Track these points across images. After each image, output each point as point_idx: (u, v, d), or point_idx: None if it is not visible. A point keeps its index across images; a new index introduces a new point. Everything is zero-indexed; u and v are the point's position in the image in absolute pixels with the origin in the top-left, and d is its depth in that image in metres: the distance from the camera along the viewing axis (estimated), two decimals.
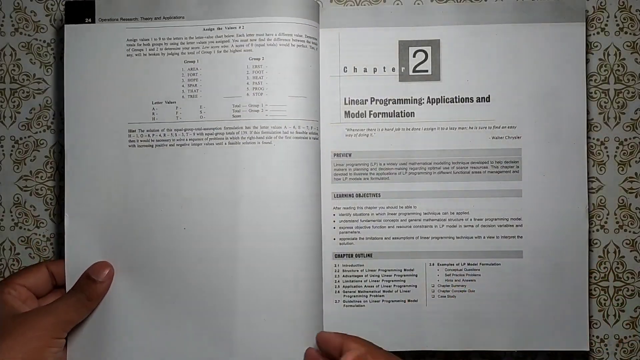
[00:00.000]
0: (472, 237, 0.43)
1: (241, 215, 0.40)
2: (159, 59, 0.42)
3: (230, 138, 0.41)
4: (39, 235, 0.47)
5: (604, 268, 0.45)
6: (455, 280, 0.43)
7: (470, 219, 0.43)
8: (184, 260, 0.41)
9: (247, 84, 0.41)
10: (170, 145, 0.41)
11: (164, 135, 0.41)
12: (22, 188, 0.47)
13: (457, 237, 0.43)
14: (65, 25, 0.42)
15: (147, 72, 0.42)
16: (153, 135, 0.41)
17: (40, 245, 0.47)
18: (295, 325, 0.40)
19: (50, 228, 0.47)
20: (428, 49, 0.43)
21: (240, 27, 0.41)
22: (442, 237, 0.43)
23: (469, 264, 0.42)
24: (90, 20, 0.42)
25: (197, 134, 0.41)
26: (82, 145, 0.42)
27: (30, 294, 0.38)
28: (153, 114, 0.42)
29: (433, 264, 0.43)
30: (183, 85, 0.42)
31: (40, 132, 0.47)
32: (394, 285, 0.43)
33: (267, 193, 0.40)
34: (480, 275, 0.42)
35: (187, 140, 0.41)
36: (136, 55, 0.42)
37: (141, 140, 0.42)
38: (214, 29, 0.41)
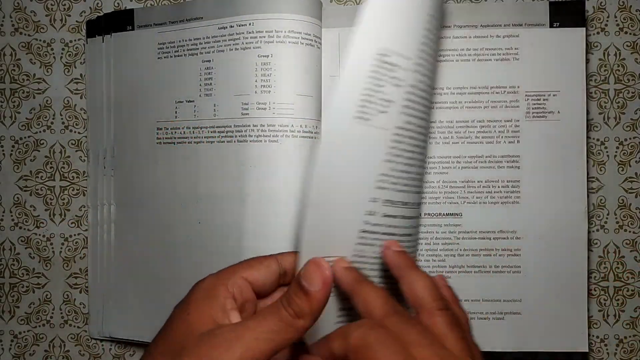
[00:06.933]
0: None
1: (247, 213, 0.40)
2: (182, 59, 0.43)
3: (239, 136, 0.41)
4: (39, 235, 0.47)
5: (604, 268, 0.45)
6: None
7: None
8: (198, 254, 0.42)
9: (256, 81, 0.41)
10: (188, 142, 0.43)
11: (184, 133, 0.43)
12: (22, 188, 0.47)
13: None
14: (112, 34, 0.45)
15: (172, 73, 0.43)
16: (175, 133, 0.43)
17: (40, 245, 0.47)
18: None
19: (50, 228, 0.47)
20: None
21: (250, 24, 0.41)
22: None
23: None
24: (130, 27, 0.45)
25: (211, 132, 0.42)
26: (124, 142, 0.45)
27: (251, 295, 0.29)
28: (176, 112, 0.43)
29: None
30: (200, 84, 0.42)
31: (40, 132, 0.47)
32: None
33: (271, 192, 0.40)
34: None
35: (202, 138, 0.42)
36: (165, 57, 0.44)
37: (166, 138, 0.43)
38: (226, 27, 0.42)
